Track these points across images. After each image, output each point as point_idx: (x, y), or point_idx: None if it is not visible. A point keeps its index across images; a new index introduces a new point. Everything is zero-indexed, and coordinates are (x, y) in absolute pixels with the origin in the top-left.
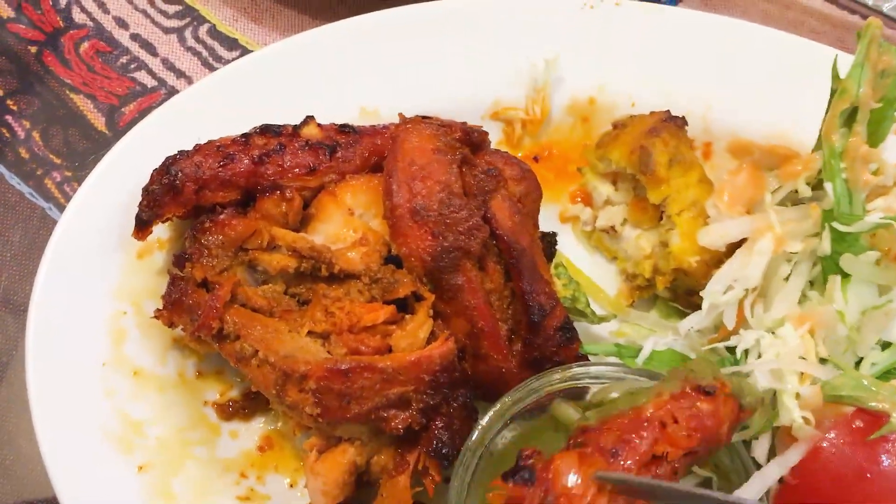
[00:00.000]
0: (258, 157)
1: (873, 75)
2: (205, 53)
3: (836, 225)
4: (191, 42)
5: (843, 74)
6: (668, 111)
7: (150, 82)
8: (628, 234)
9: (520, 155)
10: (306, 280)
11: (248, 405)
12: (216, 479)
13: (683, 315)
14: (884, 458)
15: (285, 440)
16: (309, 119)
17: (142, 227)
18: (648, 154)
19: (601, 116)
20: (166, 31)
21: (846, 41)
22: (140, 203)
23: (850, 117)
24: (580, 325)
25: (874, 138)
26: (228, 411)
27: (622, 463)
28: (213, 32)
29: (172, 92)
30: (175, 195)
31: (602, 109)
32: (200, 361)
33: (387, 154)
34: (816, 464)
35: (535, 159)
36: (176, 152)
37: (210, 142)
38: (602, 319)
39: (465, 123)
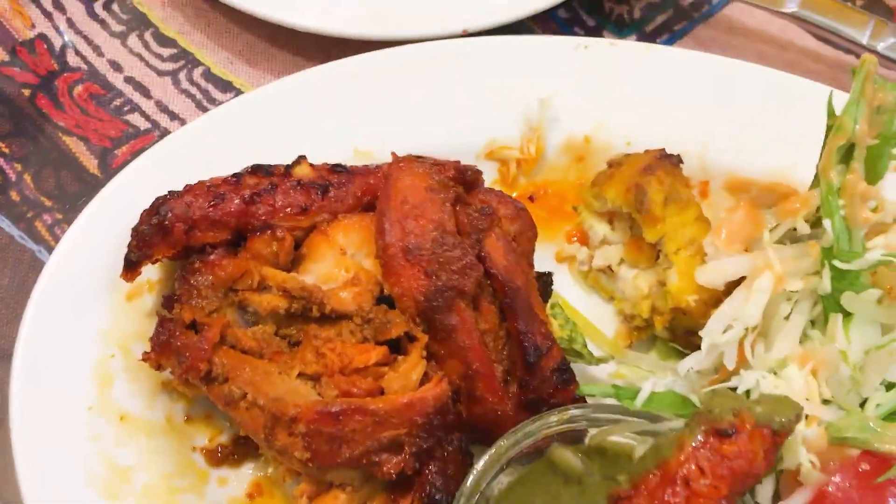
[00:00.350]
0: (249, 197)
1: (869, 111)
2: (199, 96)
3: (836, 263)
4: (185, 84)
5: (838, 111)
6: (664, 149)
7: (143, 124)
8: (625, 274)
9: (515, 195)
10: (297, 321)
11: (238, 451)
12: None
13: (683, 356)
14: (892, 502)
15: (276, 487)
16: (301, 159)
17: (131, 267)
18: (644, 192)
19: (597, 156)
20: (160, 73)
21: (841, 80)
22: (129, 244)
23: (846, 154)
24: (577, 367)
25: (872, 175)
26: (217, 457)
27: None
28: (208, 75)
29: (165, 134)
30: (165, 235)
31: (597, 149)
32: (189, 406)
33: (379, 192)
34: None
35: (531, 199)
36: (166, 192)
37: (200, 182)
38: (600, 361)
39: (458, 162)
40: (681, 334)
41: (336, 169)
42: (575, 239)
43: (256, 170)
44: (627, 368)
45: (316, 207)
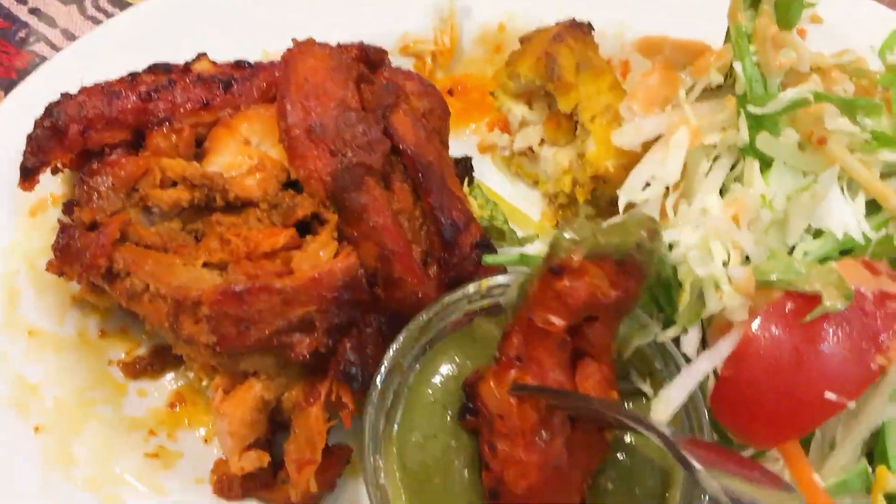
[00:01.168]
0: (146, 94)
1: None
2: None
3: (750, 108)
4: (91, 11)
5: None
6: (573, 19)
7: (50, 54)
8: (546, 154)
9: None
10: (203, 214)
11: (156, 362)
12: (121, 437)
13: None
14: (820, 341)
15: (198, 395)
16: (201, 55)
17: (27, 175)
18: (554, 60)
19: (512, 43)
20: (65, 1)
21: None
22: (24, 151)
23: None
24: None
25: (784, 20)
26: (135, 369)
27: (532, 367)
28: (114, 0)
29: None
30: (60, 139)
31: (513, 35)
32: (103, 320)
33: (280, 77)
34: (750, 354)
35: (450, 93)
36: (59, 96)
37: (96, 84)
38: (524, 241)
39: (361, 43)
40: (605, 206)
41: (239, 64)
42: (496, 128)
43: (154, 68)
44: None
45: (218, 102)
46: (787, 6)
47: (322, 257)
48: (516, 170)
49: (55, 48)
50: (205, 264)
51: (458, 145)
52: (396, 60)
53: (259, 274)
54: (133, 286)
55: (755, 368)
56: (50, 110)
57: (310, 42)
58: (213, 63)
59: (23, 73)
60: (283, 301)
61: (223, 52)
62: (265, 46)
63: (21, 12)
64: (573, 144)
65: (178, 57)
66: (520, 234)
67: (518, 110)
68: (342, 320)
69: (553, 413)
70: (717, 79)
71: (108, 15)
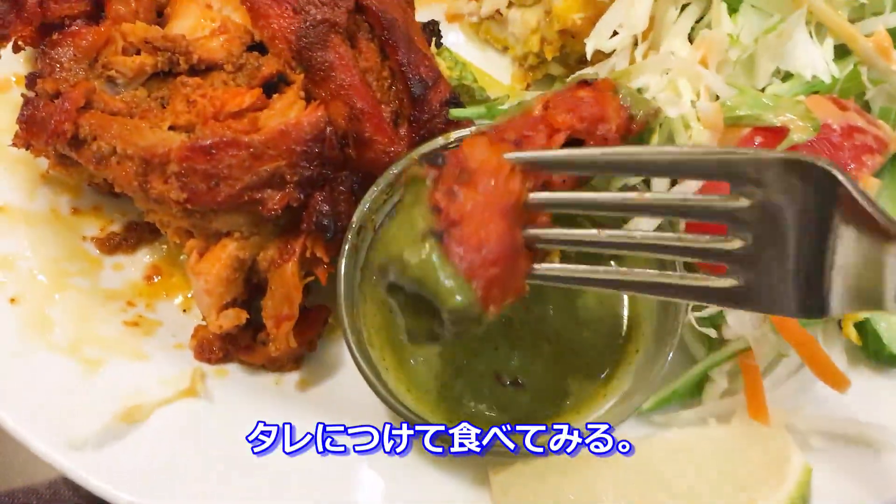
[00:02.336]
0: None
1: None
2: None
3: None
4: None
5: None
6: None
7: None
8: (514, 16)
9: None
10: (168, 81)
11: (131, 237)
12: (99, 306)
13: None
14: None
15: (175, 267)
16: None
17: None
18: None
19: None
20: None
21: None
22: None
23: None
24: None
25: None
26: (110, 245)
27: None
28: None
29: None
30: (18, 11)
31: None
32: (75, 198)
33: None
34: (717, 188)
35: None
36: None
37: None
38: (496, 101)
39: None
40: (574, 63)
41: None
42: None
43: None
44: None
45: None
46: None
47: (291, 115)
48: (485, 36)
49: None
50: (171, 127)
51: (426, 14)
52: None
53: (227, 133)
54: (100, 149)
55: None
56: None
57: None
58: None
59: None
60: (252, 155)
61: None
62: None
63: None
64: (540, 3)
65: None
66: (490, 95)
67: None
68: (313, 174)
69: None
70: None
71: None
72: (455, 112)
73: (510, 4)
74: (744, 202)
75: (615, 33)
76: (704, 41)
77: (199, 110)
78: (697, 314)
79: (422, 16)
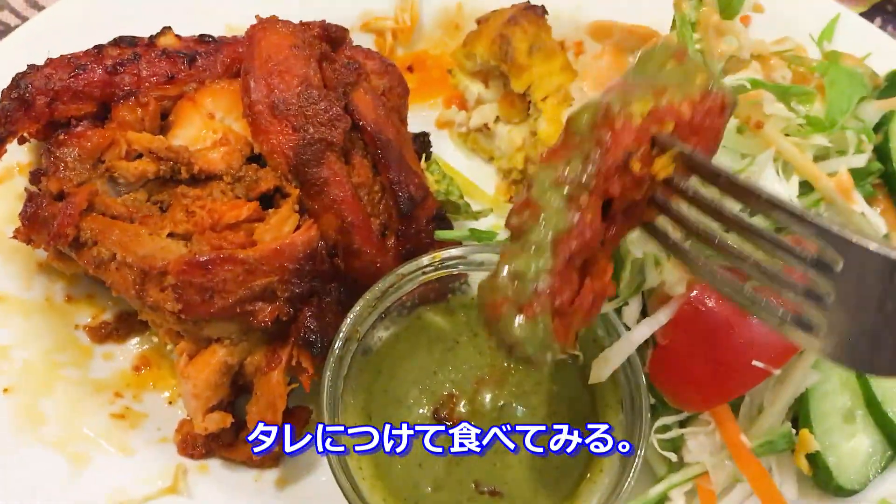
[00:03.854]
0: (112, 67)
1: None
2: None
3: None
4: None
5: None
6: (528, 1)
7: (13, 21)
8: (501, 131)
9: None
10: (168, 186)
11: (122, 326)
12: (88, 398)
13: None
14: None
15: (163, 359)
16: (166, 29)
17: None
18: (508, 42)
19: (471, 22)
20: None
21: None
22: None
23: None
24: (459, 224)
25: (727, 11)
26: (101, 334)
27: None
28: None
29: None
30: (27, 110)
31: (471, 14)
32: (70, 286)
33: (243, 53)
34: (686, 323)
35: (410, 69)
36: (25, 69)
37: (62, 55)
38: (479, 214)
39: (323, 21)
40: None
41: (203, 39)
42: (453, 105)
43: (119, 41)
44: None
45: (183, 76)
46: None
47: (285, 231)
48: (472, 145)
49: (19, 16)
50: (170, 234)
51: (417, 121)
52: (358, 37)
53: (223, 245)
54: (100, 255)
55: (690, 337)
56: (17, 82)
57: (273, 19)
58: (178, 37)
59: None
60: (247, 271)
61: (187, 27)
62: (228, 21)
63: None
64: (526, 122)
65: (143, 30)
66: (475, 207)
67: (474, 88)
68: (303, 290)
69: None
70: None
71: None
72: (441, 234)
73: (497, 119)
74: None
75: None
76: None
77: (197, 220)
78: (660, 436)
79: (413, 121)
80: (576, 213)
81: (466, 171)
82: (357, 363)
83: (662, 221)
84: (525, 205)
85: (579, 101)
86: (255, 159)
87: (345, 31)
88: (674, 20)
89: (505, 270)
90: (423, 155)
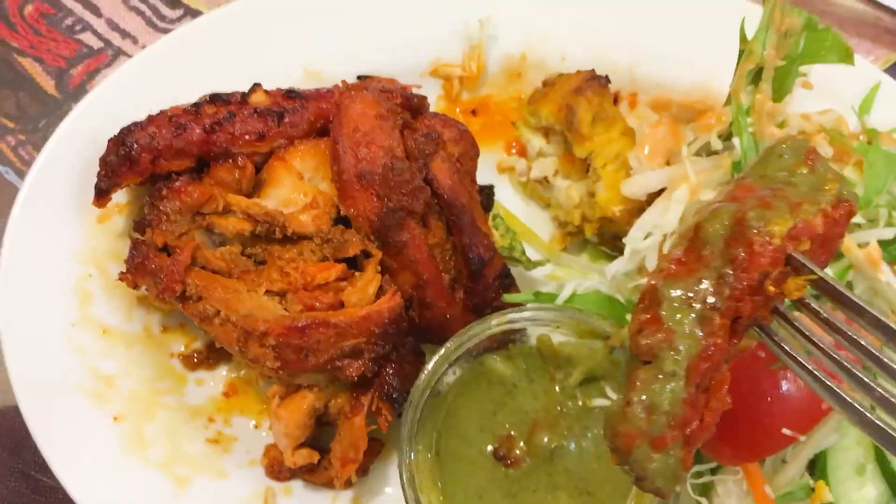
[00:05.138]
0: (210, 126)
1: (777, 36)
2: (148, 13)
3: None
4: (134, 1)
5: (750, 36)
6: (593, 70)
7: (96, 44)
8: (560, 185)
9: (458, 110)
10: (261, 241)
11: (212, 355)
12: (186, 424)
13: (611, 257)
14: (783, 384)
15: (248, 385)
16: (256, 87)
17: (101, 195)
18: (573, 112)
19: (533, 71)
20: None
21: None
22: (98, 173)
23: (756, 76)
24: (518, 269)
25: (779, 93)
26: (193, 362)
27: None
28: None
29: (119, 53)
30: (131, 165)
31: (534, 65)
32: (165, 316)
33: (332, 121)
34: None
35: (474, 113)
36: (130, 124)
37: (162, 112)
38: (537, 264)
39: (404, 88)
40: (608, 239)
41: (290, 95)
42: (514, 150)
43: (214, 99)
44: (561, 270)
45: (273, 133)
46: (783, 79)
47: (370, 292)
48: (530, 193)
49: (101, 38)
50: (267, 292)
51: (480, 163)
52: (427, 81)
53: (314, 305)
54: (205, 310)
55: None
56: (123, 139)
57: (359, 87)
58: (267, 93)
59: (70, 62)
60: (338, 333)
61: (267, 69)
62: (307, 65)
63: None
64: (585, 181)
65: (227, 68)
66: (533, 256)
67: (536, 142)
68: (387, 350)
69: None
70: (717, 144)
71: (150, 5)
72: (508, 297)
73: (556, 173)
74: None
75: (649, 233)
76: None
77: (291, 280)
78: (693, 481)
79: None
80: (708, 337)
81: (524, 216)
82: (428, 405)
83: (777, 326)
84: (653, 324)
85: (636, 171)
86: (342, 219)
87: (424, 99)
88: (728, 97)
89: (638, 402)
90: (488, 205)
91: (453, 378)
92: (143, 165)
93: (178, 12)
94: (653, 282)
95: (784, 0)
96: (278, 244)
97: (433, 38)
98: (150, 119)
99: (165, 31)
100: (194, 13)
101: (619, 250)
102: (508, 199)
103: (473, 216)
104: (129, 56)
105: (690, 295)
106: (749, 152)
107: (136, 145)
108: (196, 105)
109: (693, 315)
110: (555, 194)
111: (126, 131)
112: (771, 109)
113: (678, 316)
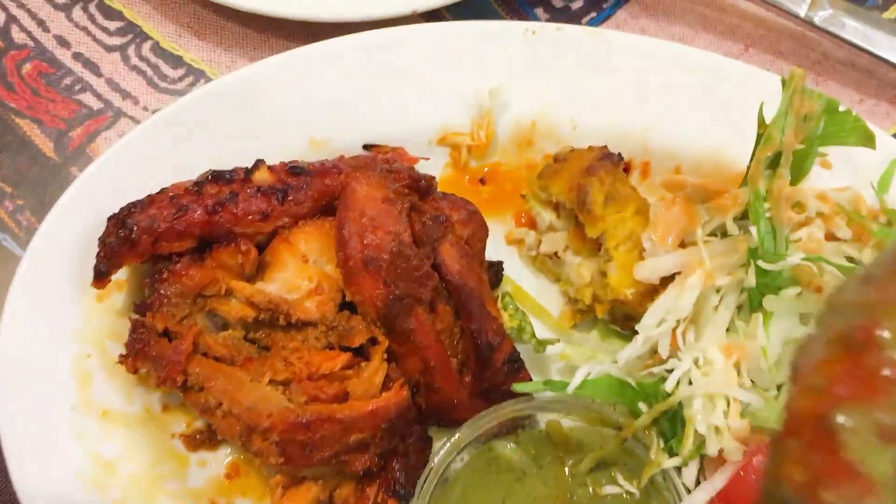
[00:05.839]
0: (212, 207)
1: (797, 121)
2: (149, 72)
3: (760, 263)
4: (135, 60)
5: (768, 118)
6: (605, 147)
7: (95, 104)
8: (570, 260)
9: (466, 178)
10: (265, 326)
11: (214, 435)
12: None
13: (622, 336)
14: None
15: (251, 467)
16: (259, 163)
17: (100, 277)
18: (585, 193)
19: (544, 139)
20: (109, 49)
21: (781, 48)
22: (97, 255)
23: (774, 160)
24: (527, 347)
25: (797, 175)
26: (195, 441)
27: None
28: (157, 49)
29: (119, 114)
30: (132, 247)
31: (544, 132)
32: (165, 395)
33: (338, 203)
34: (741, 487)
35: (482, 181)
36: (130, 204)
37: (163, 191)
38: (547, 343)
39: (412, 169)
40: (620, 318)
41: (293, 171)
42: (524, 220)
43: (217, 177)
44: (572, 349)
45: (276, 213)
46: (802, 161)
47: (376, 382)
48: (539, 266)
49: (101, 98)
50: (270, 381)
51: (490, 233)
52: (434, 149)
53: (319, 395)
54: (207, 401)
55: (742, 501)
56: (122, 220)
57: (365, 166)
58: (270, 169)
59: (69, 123)
60: (344, 429)
61: (271, 139)
62: (312, 134)
63: (65, 57)
64: (596, 259)
65: (230, 138)
66: (542, 331)
67: (547, 216)
68: (393, 444)
69: None
70: (733, 228)
71: (151, 65)
72: (518, 387)
73: (566, 248)
74: None
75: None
76: (738, 348)
77: (294, 370)
78: None
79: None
80: None
81: (533, 289)
82: (436, 493)
83: None
84: (839, 473)
85: (649, 252)
86: (348, 304)
87: (431, 179)
88: (744, 178)
89: None
90: (497, 280)
91: (461, 464)
92: (144, 247)
93: (181, 72)
94: (815, 407)
95: (804, 83)
96: (282, 330)
97: (441, 106)
98: (151, 199)
99: (167, 91)
100: (197, 73)
101: (631, 329)
102: (517, 271)
103: (482, 300)
104: (130, 117)
105: (883, 426)
106: (766, 239)
107: (136, 227)
108: (198, 184)
109: (890, 456)
110: (565, 269)
111: (126, 212)
112: (789, 194)
113: (872, 458)
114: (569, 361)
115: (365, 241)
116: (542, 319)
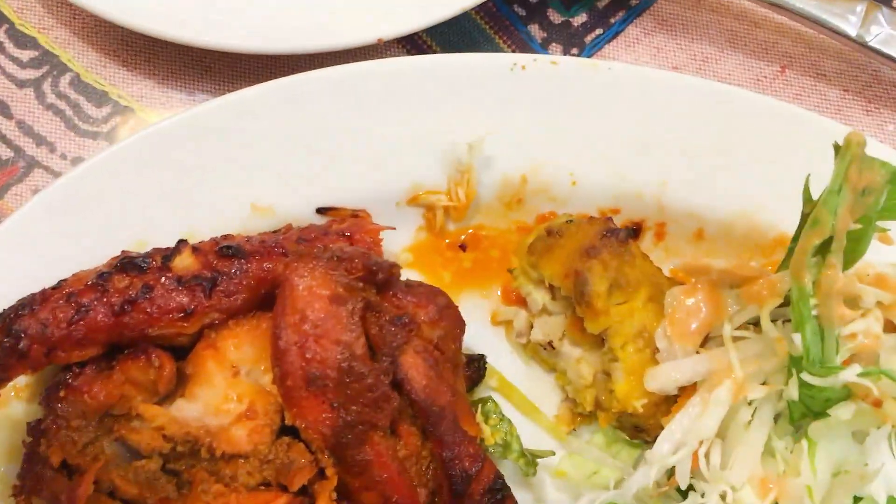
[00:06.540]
0: (119, 307)
1: (853, 196)
2: (69, 112)
3: (804, 377)
4: (51, 98)
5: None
6: (610, 220)
7: (4, 153)
8: (568, 352)
9: (446, 242)
10: (186, 456)
11: None
12: None
13: (630, 444)
14: None
15: None
16: (181, 246)
17: None
18: (585, 282)
19: (537, 196)
20: (20, 84)
21: (823, 67)
22: None
23: (823, 245)
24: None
25: (850, 258)
26: None
27: None
28: (78, 83)
29: (32, 163)
30: (20, 359)
31: (537, 189)
32: None
33: (276, 298)
34: None
35: (462, 248)
36: (17, 304)
37: (60, 286)
38: (540, 456)
39: (367, 256)
40: (628, 427)
41: (224, 253)
42: (513, 296)
43: (126, 267)
44: (570, 462)
45: (202, 309)
46: (857, 243)
47: None
48: (531, 354)
49: (10, 145)
50: None
51: (468, 309)
52: (404, 211)
53: None
54: None
55: None
56: (8, 327)
57: (308, 255)
58: (195, 250)
59: None
60: None
61: (206, 204)
62: (255, 199)
63: None
64: (598, 353)
65: (153, 202)
66: (534, 435)
67: (539, 297)
68: None
69: None
70: (770, 331)
71: (70, 102)
72: None
73: (563, 335)
74: None
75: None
76: (777, 484)
77: None
78: None
79: (465, 307)
80: None
81: (524, 381)
82: None
83: None
84: None
85: (664, 355)
86: (289, 429)
87: (394, 268)
88: (784, 260)
89: None
90: (478, 378)
91: None
92: (36, 359)
93: (106, 111)
94: None
95: (863, 150)
96: (208, 461)
97: (412, 158)
98: (44, 296)
99: (89, 134)
100: (124, 111)
101: (643, 439)
102: (504, 357)
103: (456, 417)
104: (45, 167)
105: None
106: (813, 345)
107: (24, 336)
108: (103, 276)
109: None
110: (562, 362)
111: (11, 317)
112: (842, 288)
113: None
114: (566, 480)
115: (307, 355)
116: (534, 420)
